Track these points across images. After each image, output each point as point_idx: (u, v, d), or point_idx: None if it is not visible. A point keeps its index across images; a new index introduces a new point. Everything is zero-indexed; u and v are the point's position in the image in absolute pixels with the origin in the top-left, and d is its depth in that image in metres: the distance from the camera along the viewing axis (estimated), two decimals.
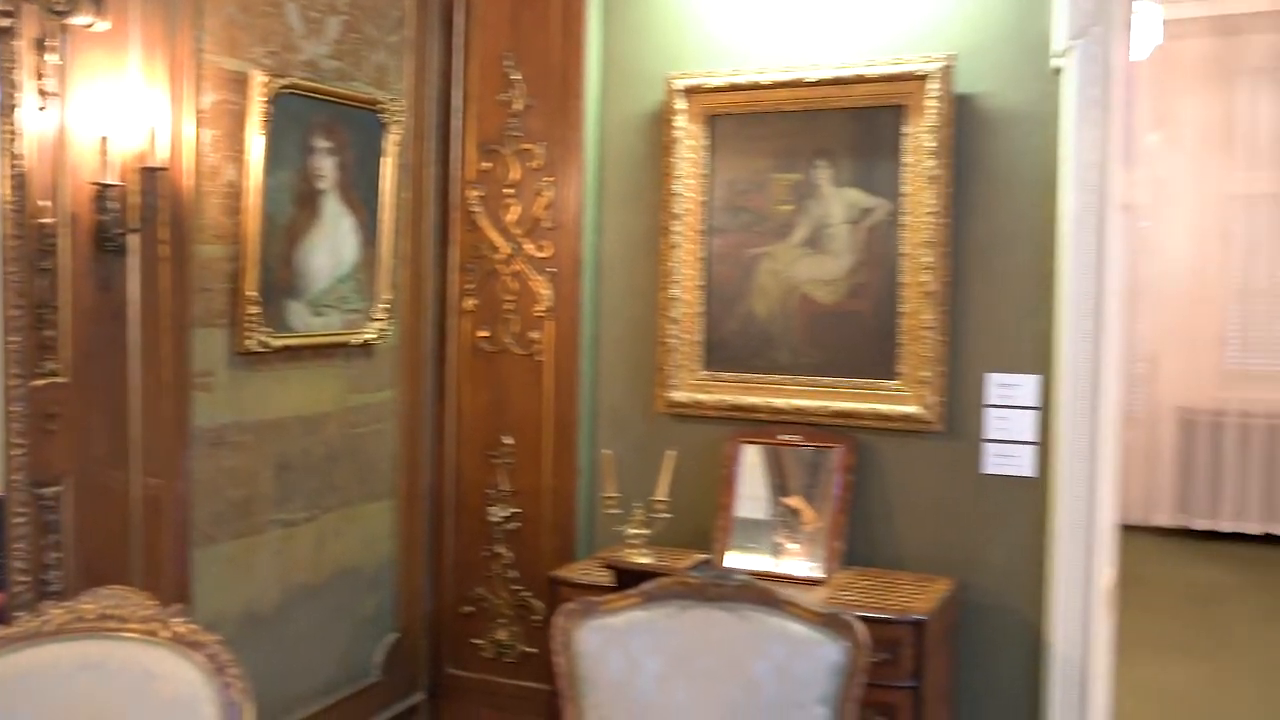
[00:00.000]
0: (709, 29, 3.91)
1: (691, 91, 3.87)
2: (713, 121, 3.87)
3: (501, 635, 4.22)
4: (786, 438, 3.76)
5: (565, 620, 2.57)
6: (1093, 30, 3.41)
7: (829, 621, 2.44)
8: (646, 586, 2.57)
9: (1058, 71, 3.46)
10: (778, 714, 2.39)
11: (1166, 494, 7.92)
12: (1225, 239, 7.78)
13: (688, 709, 2.43)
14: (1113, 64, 3.42)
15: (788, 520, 3.70)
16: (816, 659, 2.40)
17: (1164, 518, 7.94)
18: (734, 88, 3.81)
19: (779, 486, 3.76)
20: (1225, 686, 5.17)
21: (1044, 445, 3.52)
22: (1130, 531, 7.96)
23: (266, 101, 3.35)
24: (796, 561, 3.62)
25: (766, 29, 3.82)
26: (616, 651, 2.50)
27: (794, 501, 3.72)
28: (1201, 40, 7.71)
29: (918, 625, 3.19)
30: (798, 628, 2.44)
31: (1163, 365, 7.91)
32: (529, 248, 4.12)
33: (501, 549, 4.21)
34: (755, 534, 3.72)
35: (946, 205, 3.55)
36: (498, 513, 4.19)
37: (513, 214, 4.15)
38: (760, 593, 2.49)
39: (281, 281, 3.50)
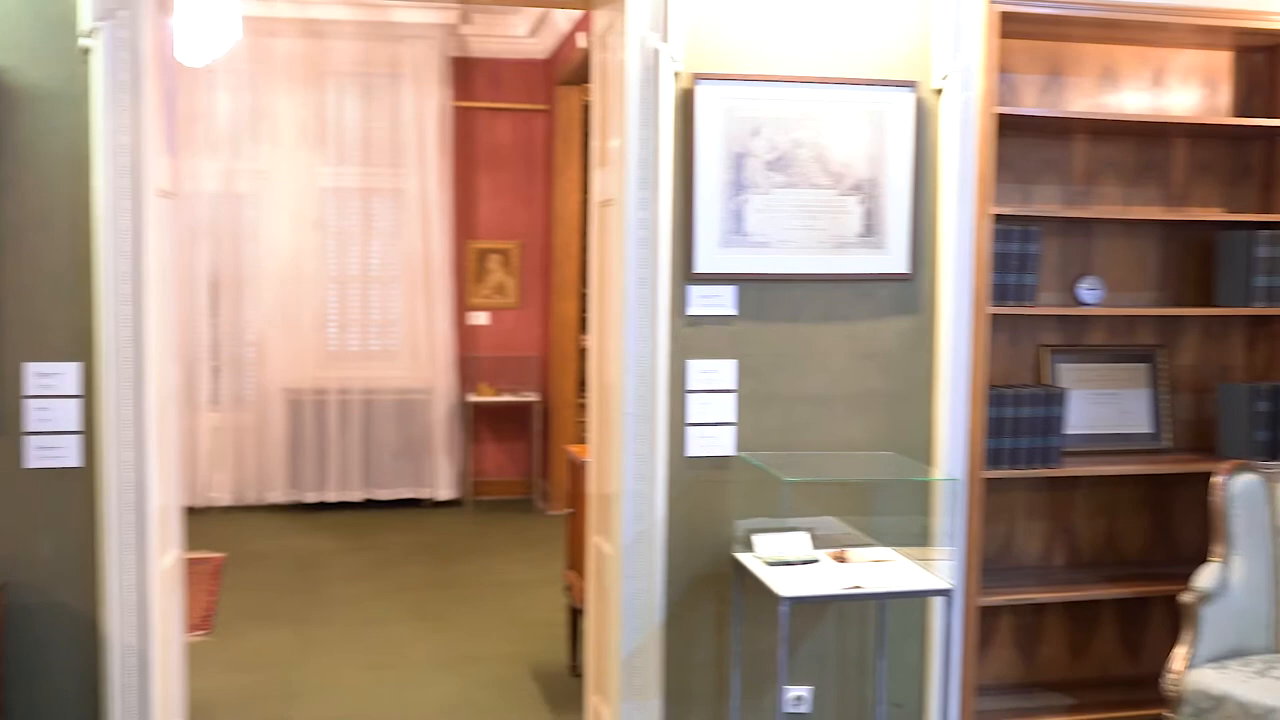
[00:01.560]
0: None
1: None
2: None
3: None
4: None
5: None
6: (119, 14, 3.39)
7: None
8: None
9: (87, 52, 3.39)
10: None
11: (280, 472, 8.28)
12: (321, 228, 8.32)
13: None
14: (142, 48, 3.43)
15: None
16: None
17: (279, 495, 8.29)
18: None
19: None
20: (313, 643, 5.54)
21: (90, 434, 3.45)
22: (247, 511, 8.26)
23: None
24: None
25: None
26: None
27: None
28: (294, 41, 8.12)
29: None
30: None
31: (270, 349, 8.25)
32: None
33: None
34: None
35: None
36: None
37: None
38: None
39: None
